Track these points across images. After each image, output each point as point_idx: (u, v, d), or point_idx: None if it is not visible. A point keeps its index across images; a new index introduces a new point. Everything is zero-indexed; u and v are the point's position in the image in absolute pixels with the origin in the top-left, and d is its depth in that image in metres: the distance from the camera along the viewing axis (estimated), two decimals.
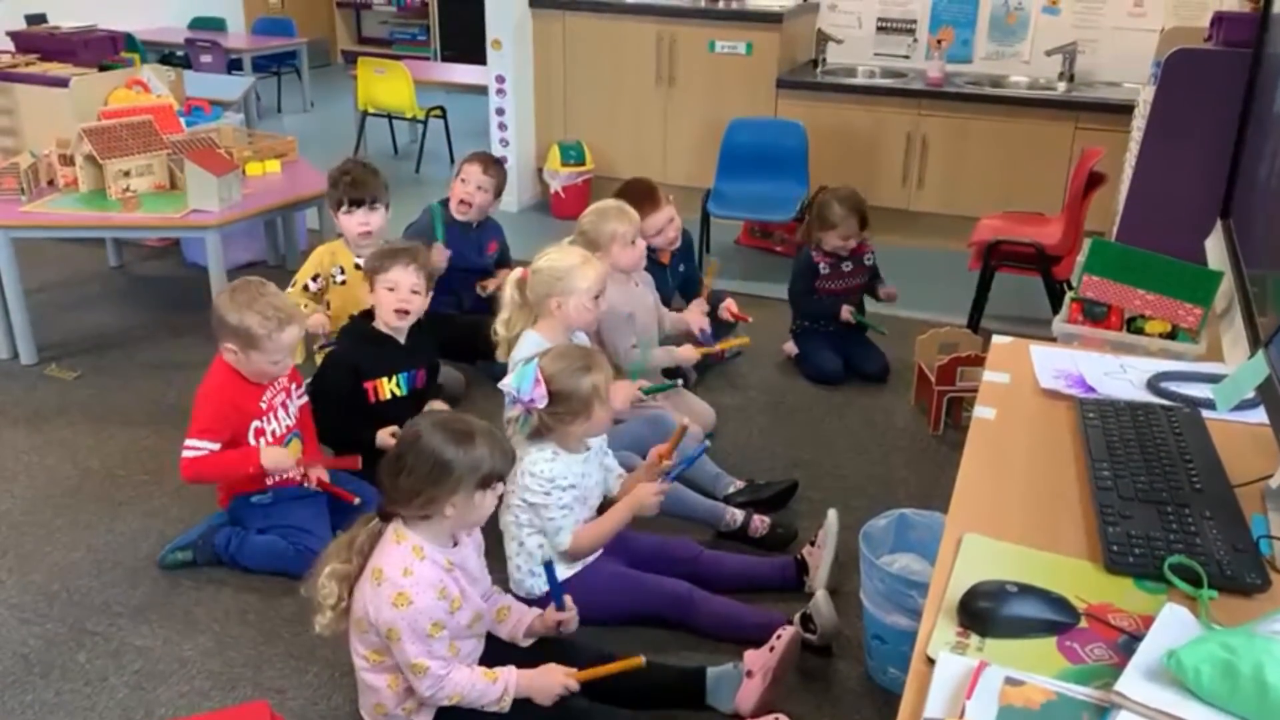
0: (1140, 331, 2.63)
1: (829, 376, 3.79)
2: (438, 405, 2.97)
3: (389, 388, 2.96)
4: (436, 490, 1.93)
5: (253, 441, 2.67)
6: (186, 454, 2.59)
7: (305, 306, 3.25)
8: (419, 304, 2.95)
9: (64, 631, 2.50)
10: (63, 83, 4.82)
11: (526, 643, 2.21)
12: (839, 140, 5.18)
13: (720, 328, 3.76)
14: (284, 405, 2.75)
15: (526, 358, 2.42)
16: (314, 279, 3.37)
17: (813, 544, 2.65)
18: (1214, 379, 1.77)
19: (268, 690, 2.32)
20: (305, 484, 2.78)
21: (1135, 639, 1.14)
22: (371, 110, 6.81)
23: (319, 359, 3.33)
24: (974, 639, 1.16)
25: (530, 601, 2.34)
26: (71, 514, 2.98)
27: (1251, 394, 1.55)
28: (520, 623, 2.22)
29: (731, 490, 2.98)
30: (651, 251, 3.62)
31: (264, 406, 2.68)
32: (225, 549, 2.70)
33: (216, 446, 2.61)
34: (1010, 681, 1.06)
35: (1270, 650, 1.00)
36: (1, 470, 3.19)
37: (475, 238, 3.88)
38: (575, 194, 5.62)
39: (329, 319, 3.34)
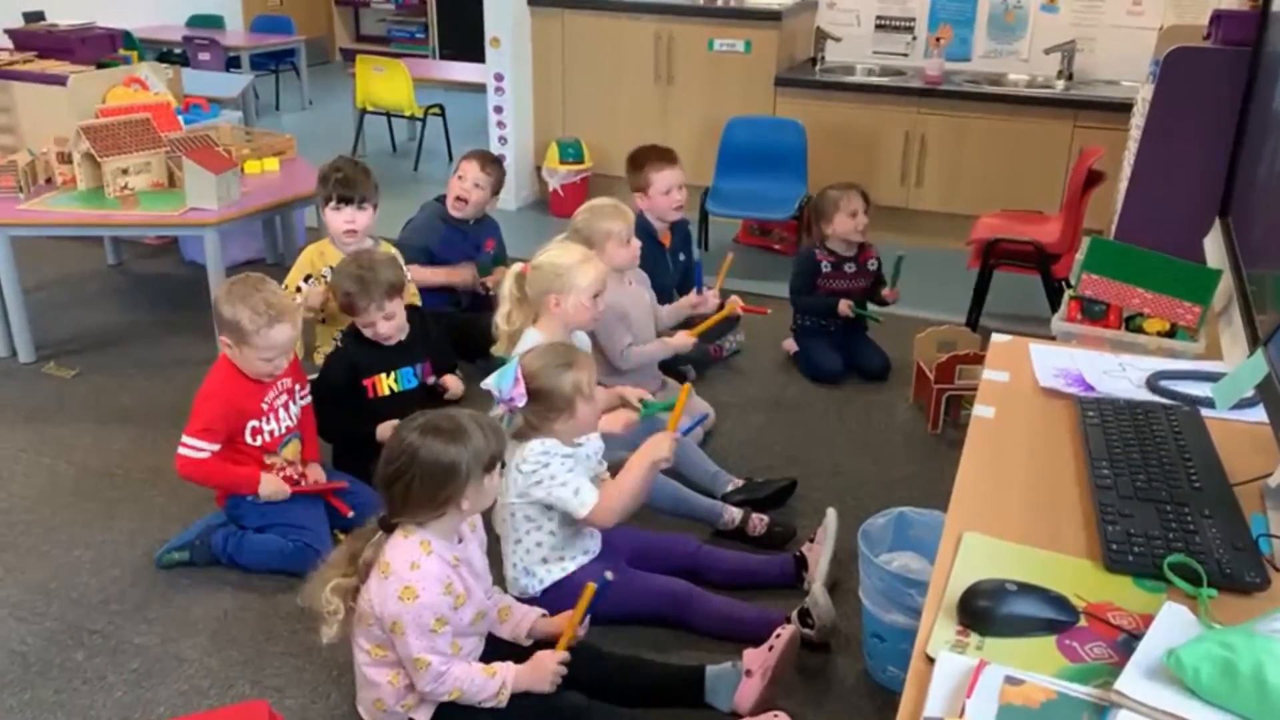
0: (1139, 330, 2.63)
1: (828, 375, 3.79)
2: (453, 383, 3.02)
3: (387, 384, 2.97)
4: (449, 491, 1.94)
5: (249, 439, 2.67)
6: (184, 451, 2.60)
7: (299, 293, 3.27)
8: (400, 325, 2.97)
9: (62, 630, 2.50)
10: (61, 80, 4.80)
11: (528, 643, 2.21)
12: (838, 139, 5.18)
13: (723, 326, 3.76)
14: (285, 406, 2.75)
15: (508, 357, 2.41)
16: (305, 280, 3.36)
17: (812, 541, 2.65)
18: (1213, 377, 1.77)
19: (266, 689, 2.32)
20: (302, 481, 2.78)
21: (1135, 638, 1.14)
22: (370, 108, 6.80)
23: (318, 358, 3.34)
24: (974, 638, 1.16)
25: (526, 601, 2.34)
26: (69, 512, 2.97)
27: (1251, 392, 1.55)
28: (522, 623, 2.23)
29: (730, 489, 2.98)
30: (651, 235, 3.64)
31: (265, 407, 2.68)
32: (223, 548, 2.70)
33: (215, 447, 2.62)
34: (1010, 680, 1.06)
35: (1270, 649, 1.00)
36: (0, 468, 3.19)
37: (473, 236, 3.87)
38: (574, 192, 5.62)
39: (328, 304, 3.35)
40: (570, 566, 2.44)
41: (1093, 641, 1.16)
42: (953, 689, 1.07)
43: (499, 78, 5.66)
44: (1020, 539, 1.35)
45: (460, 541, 2.06)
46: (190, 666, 2.39)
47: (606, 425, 2.65)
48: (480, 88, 5.93)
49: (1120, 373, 1.87)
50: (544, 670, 2.07)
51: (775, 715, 2.14)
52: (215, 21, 8.40)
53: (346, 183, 3.37)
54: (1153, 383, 1.82)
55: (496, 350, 2.87)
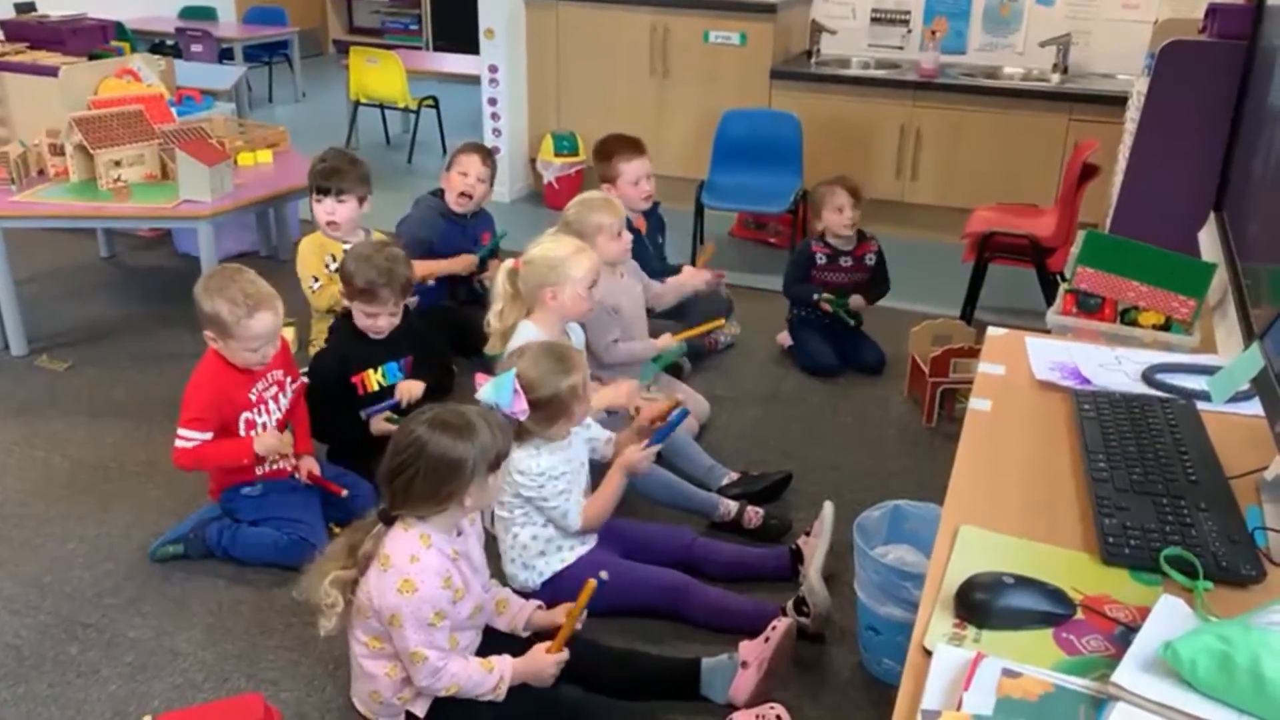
0: (1134, 323, 2.63)
1: (824, 368, 3.79)
2: (406, 389, 2.95)
3: (375, 379, 2.97)
4: (453, 487, 1.94)
5: (241, 432, 2.67)
6: (179, 444, 2.60)
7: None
8: (391, 324, 2.97)
9: (56, 623, 2.49)
10: (52, 72, 4.78)
11: (526, 635, 2.22)
12: (833, 131, 5.17)
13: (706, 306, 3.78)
14: (275, 399, 2.74)
15: (503, 368, 2.35)
16: (327, 266, 3.37)
17: (808, 534, 2.65)
18: (1209, 371, 1.78)
19: (261, 682, 2.31)
20: (295, 474, 2.77)
21: (1131, 630, 1.14)
22: (363, 100, 6.78)
23: (311, 350, 3.33)
24: (971, 630, 1.16)
25: (526, 595, 2.34)
26: (63, 505, 2.96)
27: (1247, 386, 1.55)
28: (520, 615, 2.23)
29: (725, 481, 2.98)
30: (627, 222, 3.64)
31: (254, 399, 2.67)
32: (218, 542, 2.69)
33: (207, 436, 2.61)
34: (1008, 673, 1.06)
35: (1266, 642, 1.00)
36: None
37: (470, 229, 3.86)
38: (568, 185, 5.61)
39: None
40: (569, 558, 2.44)
41: (1090, 634, 1.16)
42: (950, 682, 1.07)
43: (493, 70, 5.64)
44: (1017, 532, 1.35)
45: (460, 535, 2.05)
46: (185, 660, 2.38)
47: (610, 399, 2.67)
48: (474, 80, 5.92)
49: (1116, 366, 1.87)
50: (542, 664, 2.07)
51: (771, 707, 2.14)
52: (208, 13, 8.36)
53: (325, 174, 3.38)
54: (1149, 376, 1.82)
55: (490, 349, 2.86)
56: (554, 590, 2.37)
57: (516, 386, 2.22)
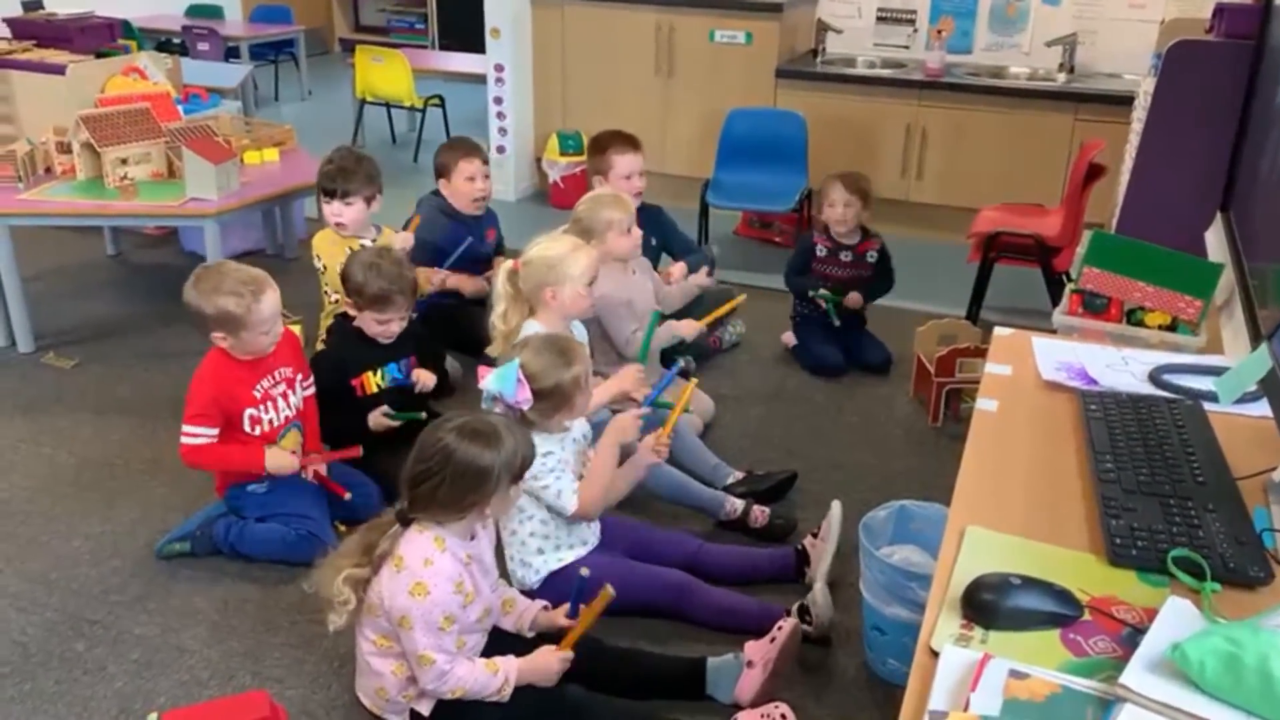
0: (1140, 324, 2.63)
1: (828, 368, 3.79)
2: (424, 376, 2.99)
3: (375, 381, 2.98)
4: (477, 496, 1.94)
5: (248, 429, 2.66)
6: (185, 440, 2.60)
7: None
8: (401, 326, 2.99)
9: (62, 620, 2.50)
10: (59, 70, 4.79)
11: (531, 634, 2.22)
12: (838, 131, 5.17)
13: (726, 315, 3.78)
14: (284, 396, 2.74)
15: (506, 360, 2.36)
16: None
17: (814, 535, 2.64)
18: (1216, 371, 1.77)
19: (267, 679, 2.32)
20: (303, 474, 2.78)
21: (1139, 632, 1.14)
22: (369, 99, 6.78)
23: (318, 346, 3.33)
24: (978, 631, 1.16)
25: (525, 593, 2.34)
26: (69, 503, 2.97)
27: (1254, 387, 1.55)
28: (525, 615, 2.23)
29: (731, 480, 2.98)
30: None
31: (258, 395, 2.67)
32: (225, 539, 2.70)
33: (213, 432, 2.61)
34: (1015, 674, 1.06)
35: (1275, 644, 1.00)
36: None
37: (475, 227, 3.87)
38: (574, 184, 5.60)
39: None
40: (567, 556, 2.43)
41: (1097, 635, 1.16)
42: (957, 682, 1.07)
43: (499, 69, 5.64)
44: (1023, 533, 1.35)
45: (473, 539, 2.05)
46: (191, 657, 2.39)
47: (614, 391, 2.68)
48: (480, 79, 5.92)
49: (1123, 366, 1.87)
50: (547, 665, 2.07)
51: (776, 707, 2.14)
52: (214, 11, 8.37)
53: (331, 175, 3.39)
54: (1155, 376, 1.82)
55: (492, 351, 2.84)
56: (553, 589, 2.37)
57: (520, 376, 2.23)
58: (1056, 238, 3.99)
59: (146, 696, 2.27)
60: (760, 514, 2.83)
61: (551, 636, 2.19)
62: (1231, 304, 2.51)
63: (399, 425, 2.91)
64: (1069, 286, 2.74)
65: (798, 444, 3.33)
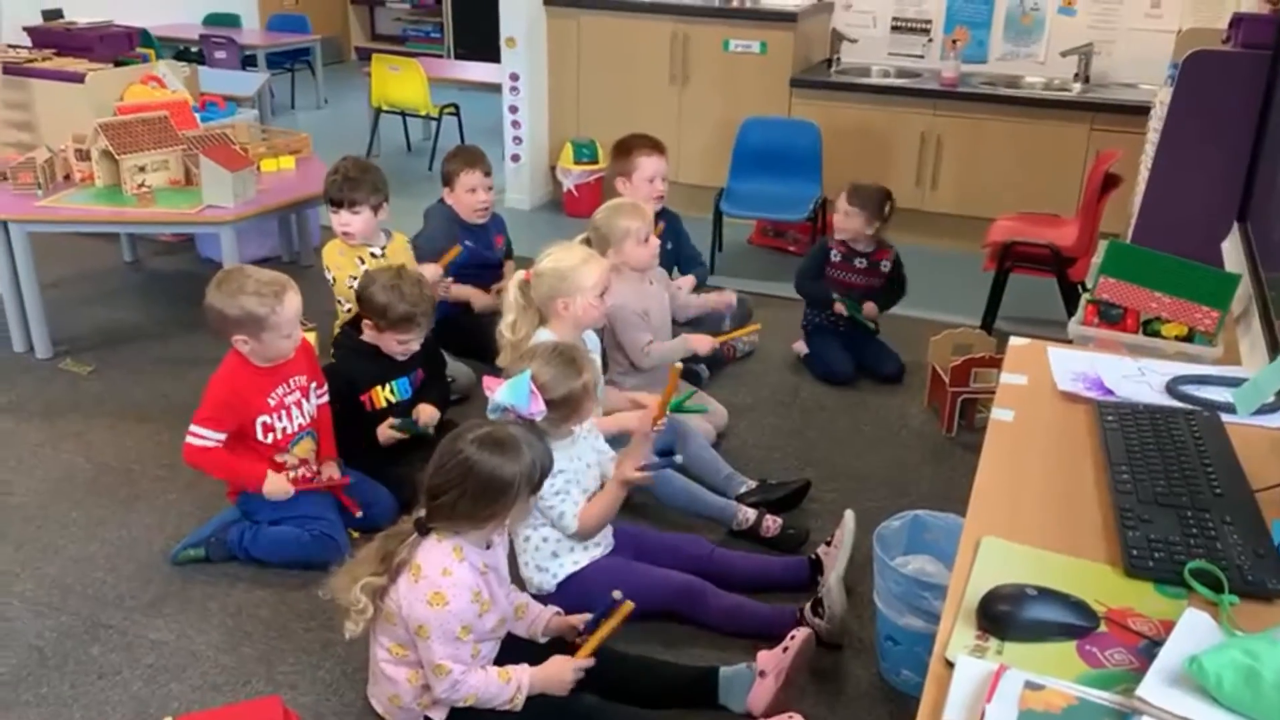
0: (1156, 334, 2.62)
1: (839, 377, 3.78)
2: (426, 413, 2.97)
3: (384, 395, 2.99)
4: (497, 507, 1.94)
5: (260, 436, 2.67)
6: (189, 440, 2.61)
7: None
8: (416, 346, 3.01)
9: (78, 624, 2.51)
10: (79, 78, 4.83)
11: (544, 640, 2.22)
12: (853, 140, 5.17)
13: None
14: (299, 404, 2.75)
15: (514, 371, 2.34)
16: (361, 261, 3.41)
17: (828, 544, 2.64)
18: (1234, 383, 1.76)
19: (280, 685, 2.33)
20: (316, 480, 2.78)
21: (1156, 644, 1.13)
22: (385, 107, 6.82)
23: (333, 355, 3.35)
24: (993, 642, 1.15)
25: (539, 598, 2.35)
26: (86, 508, 2.99)
27: (1272, 398, 1.54)
28: (538, 620, 2.23)
29: (744, 490, 2.97)
30: None
31: (272, 404, 2.68)
32: (239, 544, 2.71)
33: (220, 436, 2.61)
34: (1030, 685, 1.06)
35: None
36: (17, 463, 3.21)
37: (483, 234, 3.88)
38: (588, 192, 5.62)
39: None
40: (582, 560, 2.44)
41: (1113, 647, 1.15)
42: (972, 693, 1.06)
43: (514, 78, 5.67)
44: (1039, 544, 1.34)
45: (489, 548, 2.05)
46: (205, 662, 2.40)
47: (622, 425, 2.66)
48: (495, 87, 5.94)
49: (1140, 377, 1.86)
50: (560, 675, 2.07)
51: (790, 717, 2.13)
52: (232, 20, 8.43)
53: (336, 186, 3.41)
54: (1173, 387, 1.81)
55: (500, 361, 2.82)
56: (569, 594, 2.37)
57: (533, 388, 2.21)
58: (1072, 247, 3.97)
59: (161, 701, 2.28)
60: (772, 524, 2.82)
61: (563, 642, 2.18)
62: (1249, 315, 2.50)
63: (408, 437, 2.92)
64: (1085, 296, 2.73)
65: (811, 453, 3.33)
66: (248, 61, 7.77)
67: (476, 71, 7.19)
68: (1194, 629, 1.14)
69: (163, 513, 2.96)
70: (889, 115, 5.16)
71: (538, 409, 2.21)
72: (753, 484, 2.99)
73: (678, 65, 5.47)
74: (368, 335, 2.98)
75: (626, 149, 3.83)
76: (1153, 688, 1.04)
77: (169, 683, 2.33)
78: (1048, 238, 4.04)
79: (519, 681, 2.02)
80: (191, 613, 2.56)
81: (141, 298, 4.55)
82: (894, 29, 5.61)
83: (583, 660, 2.08)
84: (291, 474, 2.75)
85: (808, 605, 2.41)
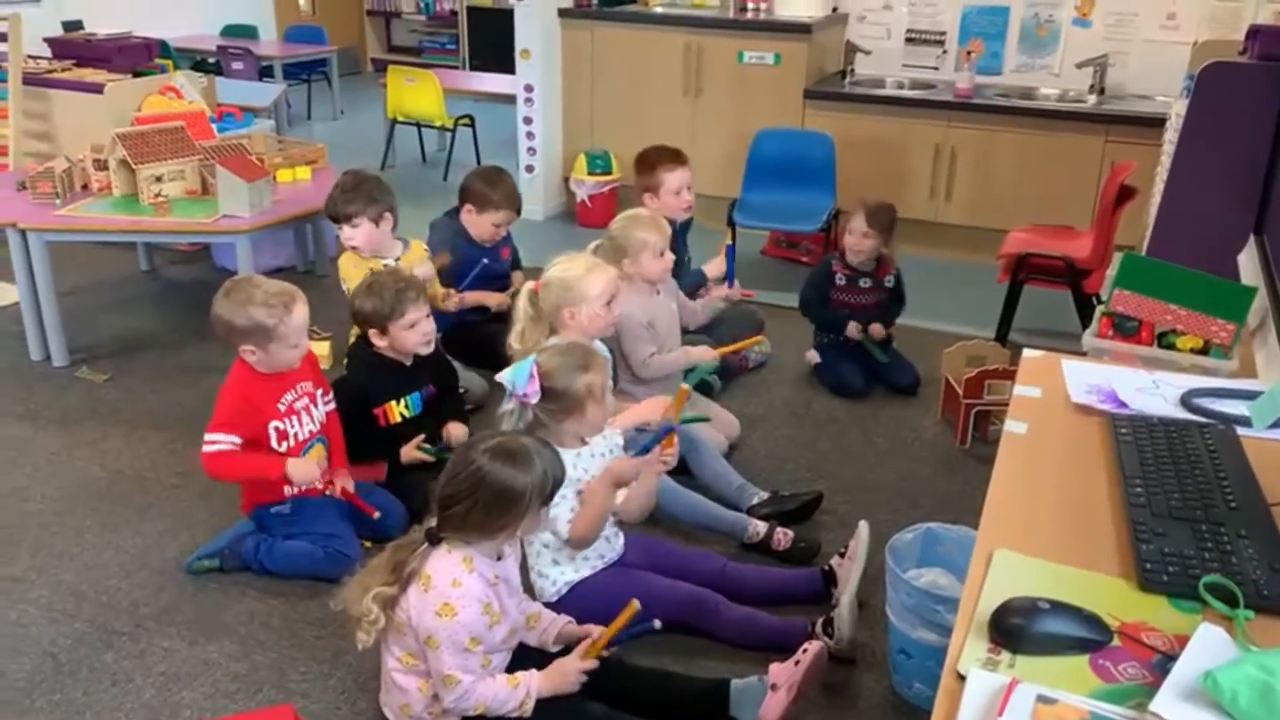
0: (1172, 347, 2.60)
1: (851, 389, 3.77)
2: (457, 431, 2.98)
3: (398, 410, 2.99)
4: (508, 518, 1.94)
5: (274, 443, 2.68)
6: (206, 448, 2.61)
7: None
8: (434, 326, 3.01)
9: (92, 632, 2.52)
10: (97, 89, 4.88)
11: (555, 648, 2.21)
12: (867, 151, 5.17)
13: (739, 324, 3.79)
14: (308, 410, 2.76)
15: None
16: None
17: (842, 555, 2.63)
18: (1249, 396, 1.75)
19: (292, 694, 2.33)
20: (328, 492, 2.79)
21: (1170, 658, 1.12)
22: (400, 118, 6.85)
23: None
24: (1005, 656, 1.15)
25: (546, 605, 2.34)
26: (100, 515, 3.00)
27: None
28: (549, 630, 2.23)
29: (755, 501, 2.97)
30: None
31: (283, 409, 2.69)
32: (254, 556, 2.71)
33: (235, 440, 2.62)
34: (1043, 700, 1.05)
35: None
36: (33, 471, 3.23)
37: (490, 247, 3.90)
38: (601, 203, 5.64)
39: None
40: (584, 570, 2.43)
41: (1127, 662, 1.14)
42: (984, 707, 1.06)
43: (529, 89, 5.69)
44: (1052, 557, 1.33)
45: (500, 559, 2.05)
46: (217, 670, 2.40)
47: (640, 417, 2.66)
48: (510, 99, 5.96)
49: (1154, 390, 1.85)
50: (567, 674, 2.06)
51: None
52: (249, 31, 8.50)
53: (334, 200, 3.46)
54: (1187, 400, 1.80)
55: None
56: (577, 603, 2.36)
57: (534, 371, 2.25)
58: (1087, 259, 3.96)
59: (173, 709, 2.29)
60: (783, 536, 2.81)
61: (574, 650, 2.18)
62: (1265, 327, 2.48)
63: (435, 460, 2.92)
64: (1099, 309, 2.72)
65: (824, 465, 3.32)
66: (265, 72, 7.83)
67: (491, 83, 7.22)
68: (1208, 644, 1.13)
69: (176, 520, 2.97)
70: (903, 127, 5.15)
71: (532, 390, 2.25)
72: (765, 495, 2.99)
73: (692, 76, 5.49)
74: (381, 346, 2.98)
75: (650, 164, 3.82)
76: (1166, 703, 1.04)
77: (181, 690, 2.34)
78: (1062, 250, 4.02)
79: (527, 686, 2.02)
80: (204, 621, 2.57)
81: (157, 306, 4.58)
82: (908, 41, 5.61)
83: (587, 662, 2.07)
84: (304, 484, 2.75)
85: (820, 622, 2.40)
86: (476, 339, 3.66)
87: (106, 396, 3.72)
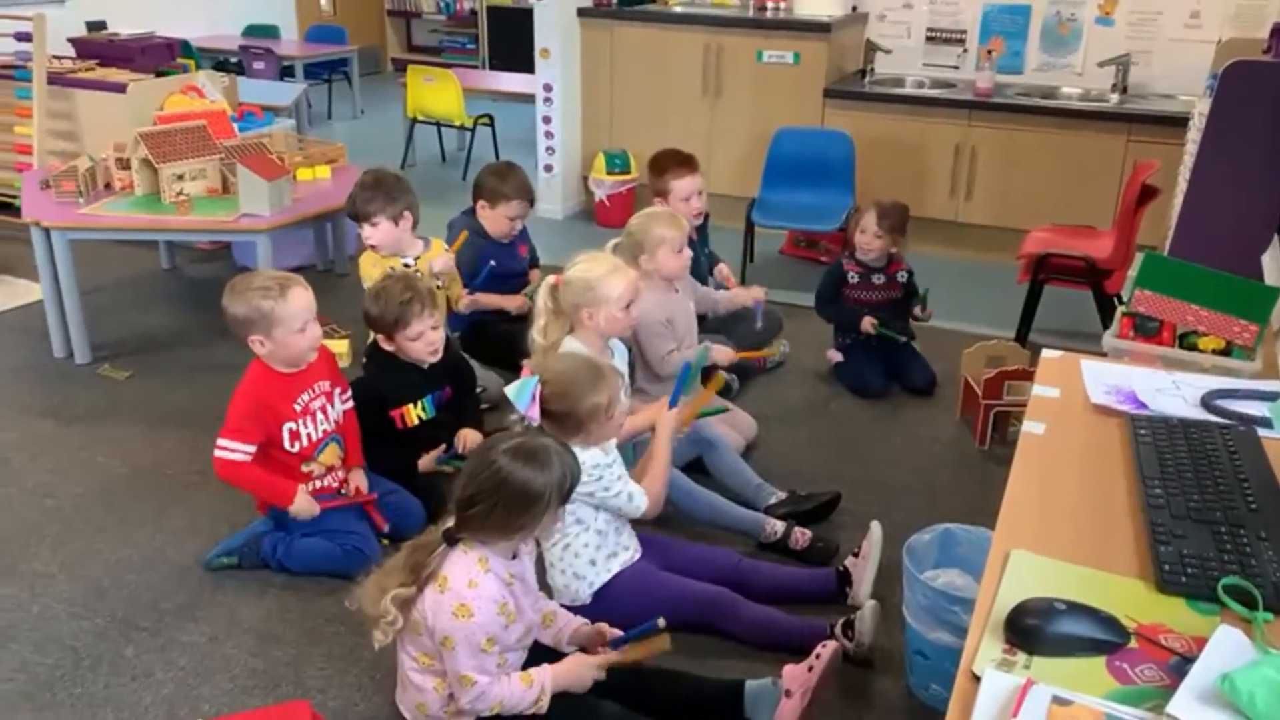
0: (1193, 348, 2.58)
1: (871, 390, 3.76)
2: (471, 438, 2.98)
3: (415, 413, 2.99)
4: (527, 519, 1.94)
5: (287, 444, 2.69)
6: (219, 454, 2.62)
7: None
8: (442, 337, 3.00)
9: (113, 627, 2.54)
10: (120, 88, 4.93)
11: (570, 649, 2.21)
12: (886, 151, 5.15)
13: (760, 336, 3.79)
14: (324, 410, 2.76)
15: (539, 369, 2.40)
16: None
17: (856, 555, 2.62)
18: (1271, 397, 1.74)
19: (309, 690, 2.34)
20: (343, 490, 2.80)
21: (1187, 661, 1.11)
22: (420, 118, 6.88)
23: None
24: (1021, 656, 1.14)
25: (572, 607, 2.34)
26: (121, 512, 3.03)
27: None
28: (565, 630, 2.23)
29: (773, 501, 2.96)
30: None
31: (298, 409, 2.70)
32: (272, 554, 2.73)
33: (249, 448, 2.62)
34: (1058, 701, 1.05)
35: None
36: (55, 467, 3.26)
37: (508, 245, 3.91)
38: (620, 203, 5.64)
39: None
40: (614, 567, 2.43)
41: (1144, 664, 1.13)
42: (998, 708, 1.05)
43: (548, 88, 5.70)
44: (1069, 558, 1.32)
45: (515, 558, 2.05)
46: (235, 666, 2.42)
47: (648, 422, 2.66)
48: (529, 98, 5.98)
49: (1174, 391, 1.84)
50: (581, 669, 2.06)
51: None
52: (270, 31, 8.55)
53: (353, 200, 3.48)
54: (1208, 401, 1.78)
55: (531, 365, 2.85)
56: (602, 603, 2.37)
57: (535, 394, 2.24)
58: (1108, 260, 3.93)
59: (193, 703, 2.30)
60: (801, 536, 2.81)
61: (588, 652, 2.18)
62: None
63: (453, 472, 2.92)
64: (1120, 309, 2.70)
65: (842, 465, 3.31)
66: (286, 72, 7.88)
67: (510, 82, 7.23)
68: (1227, 646, 1.12)
69: (196, 517, 2.99)
70: (923, 126, 5.13)
71: (533, 414, 2.24)
72: (782, 495, 2.98)
73: (711, 76, 5.48)
74: (391, 348, 2.99)
75: (659, 169, 3.82)
76: (1184, 705, 1.03)
77: (200, 685, 2.36)
78: (1083, 250, 4.00)
79: (541, 683, 2.02)
80: (222, 617, 2.59)
81: (179, 304, 4.61)
82: (929, 39, 5.59)
83: (601, 671, 2.07)
84: (318, 482, 2.77)
85: (839, 624, 2.39)
86: (494, 338, 3.68)
87: (128, 394, 3.76)
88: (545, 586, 2.39)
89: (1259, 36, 3.56)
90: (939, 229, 5.02)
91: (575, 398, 2.28)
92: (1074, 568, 1.31)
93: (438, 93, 6.69)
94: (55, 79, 5.19)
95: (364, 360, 3.16)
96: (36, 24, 5.05)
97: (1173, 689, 1.06)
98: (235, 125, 4.45)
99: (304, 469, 2.75)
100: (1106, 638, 1.16)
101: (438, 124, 7.02)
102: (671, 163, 3.80)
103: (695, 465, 3.02)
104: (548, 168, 5.85)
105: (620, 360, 2.96)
